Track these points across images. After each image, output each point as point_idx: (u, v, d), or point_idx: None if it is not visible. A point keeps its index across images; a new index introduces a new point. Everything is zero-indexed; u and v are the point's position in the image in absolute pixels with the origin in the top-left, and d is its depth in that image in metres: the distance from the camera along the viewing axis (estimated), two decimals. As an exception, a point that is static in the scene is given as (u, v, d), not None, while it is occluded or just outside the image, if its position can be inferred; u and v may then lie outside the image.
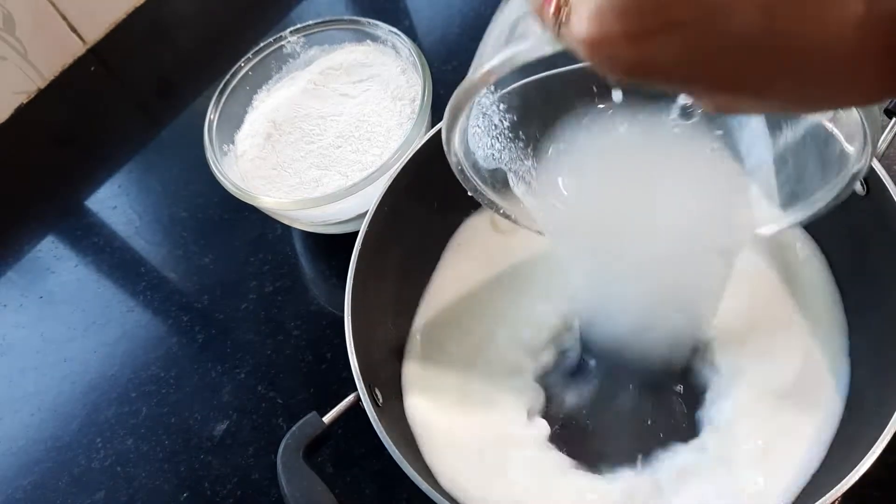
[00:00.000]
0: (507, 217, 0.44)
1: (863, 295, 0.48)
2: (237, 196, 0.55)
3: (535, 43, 0.27)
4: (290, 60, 0.62)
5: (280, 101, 0.60)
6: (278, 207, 0.54)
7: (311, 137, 0.58)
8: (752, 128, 0.39)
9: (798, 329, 0.48)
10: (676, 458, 0.46)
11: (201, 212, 0.66)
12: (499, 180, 0.42)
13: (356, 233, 0.49)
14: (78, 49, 0.78)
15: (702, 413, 0.48)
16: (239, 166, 0.59)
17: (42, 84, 0.77)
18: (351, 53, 0.61)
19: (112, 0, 0.79)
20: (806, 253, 0.50)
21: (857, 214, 0.47)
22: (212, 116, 0.59)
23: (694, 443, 0.47)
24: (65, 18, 0.75)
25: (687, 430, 0.47)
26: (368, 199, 0.51)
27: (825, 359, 0.47)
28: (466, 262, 0.55)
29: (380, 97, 0.58)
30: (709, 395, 0.48)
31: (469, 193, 0.41)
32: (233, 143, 0.60)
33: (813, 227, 0.50)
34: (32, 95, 0.76)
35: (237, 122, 0.61)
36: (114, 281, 0.64)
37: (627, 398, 0.49)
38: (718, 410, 0.47)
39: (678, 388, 0.49)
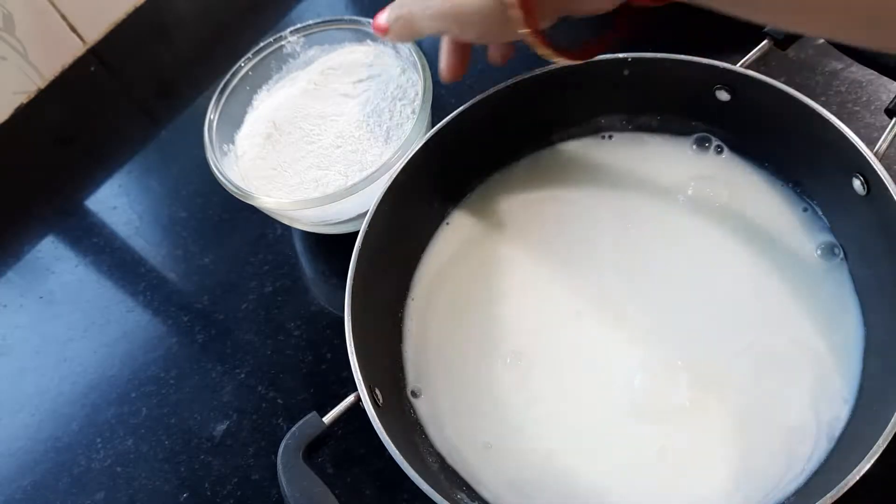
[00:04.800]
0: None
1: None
2: (237, 196, 0.55)
3: None
4: (291, 60, 0.62)
5: (280, 101, 0.60)
6: (278, 208, 0.54)
7: (311, 137, 0.58)
8: None
9: (809, 330, 0.48)
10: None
11: (201, 212, 0.66)
12: None
13: (356, 233, 0.49)
14: (78, 49, 0.78)
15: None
16: (239, 166, 0.59)
17: (42, 84, 0.77)
18: (351, 53, 0.61)
19: (112, 0, 0.79)
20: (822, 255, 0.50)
21: (858, 215, 0.47)
22: (212, 116, 0.58)
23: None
24: (65, 18, 0.75)
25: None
26: (368, 199, 0.51)
27: (834, 358, 0.47)
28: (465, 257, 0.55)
29: (380, 97, 0.58)
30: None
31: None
32: (233, 143, 0.60)
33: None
34: (32, 95, 0.76)
35: (237, 122, 0.61)
36: (114, 281, 0.64)
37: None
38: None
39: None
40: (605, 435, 0.47)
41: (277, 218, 0.58)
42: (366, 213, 0.50)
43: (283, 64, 0.62)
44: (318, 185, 0.56)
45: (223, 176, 0.56)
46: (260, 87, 0.62)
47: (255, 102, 0.61)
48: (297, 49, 0.62)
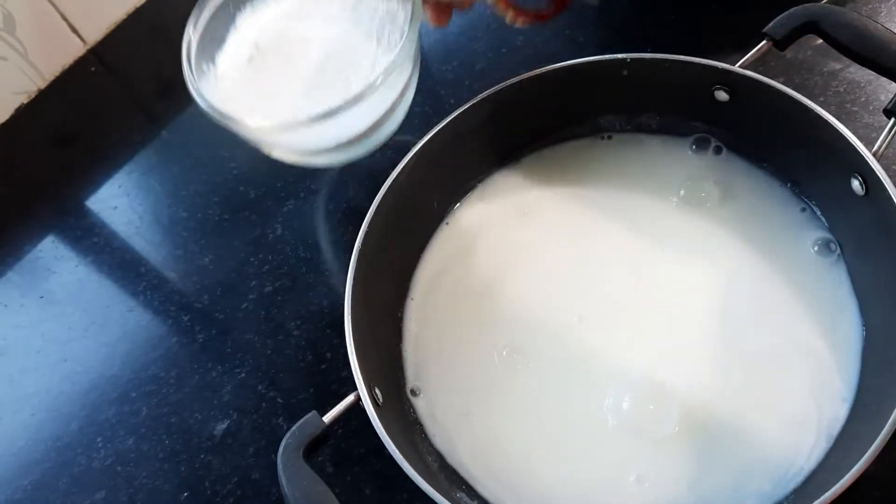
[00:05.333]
0: None
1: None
2: (217, 120, 0.52)
3: None
4: None
5: (265, 23, 0.57)
6: (261, 133, 0.52)
7: (296, 61, 0.55)
8: None
9: (808, 329, 0.48)
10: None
11: (201, 212, 0.66)
12: None
13: (357, 231, 0.49)
14: (78, 49, 0.78)
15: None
16: (219, 89, 0.55)
17: (42, 84, 0.77)
18: None
19: (112, 0, 0.79)
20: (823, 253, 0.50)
21: (857, 215, 0.48)
22: (190, 32, 0.55)
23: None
24: (65, 19, 0.75)
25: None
26: (349, 129, 0.49)
27: (833, 358, 0.47)
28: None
29: (367, 21, 0.55)
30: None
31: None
32: (213, 62, 0.56)
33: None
34: (33, 96, 0.76)
35: (218, 43, 0.57)
36: (114, 281, 0.64)
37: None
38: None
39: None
40: (586, 450, 0.47)
41: (258, 146, 0.56)
42: (347, 143, 0.49)
43: None
44: (301, 111, 0.51)
45: (202, 98, 0.52)
46: (243, 5, 0.58)
47: (237, 22, 0.57)
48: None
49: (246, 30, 0.57)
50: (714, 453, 0.46)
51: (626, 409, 0.47)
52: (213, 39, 0.57)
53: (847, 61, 0.51)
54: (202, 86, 0.54)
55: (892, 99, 0.47)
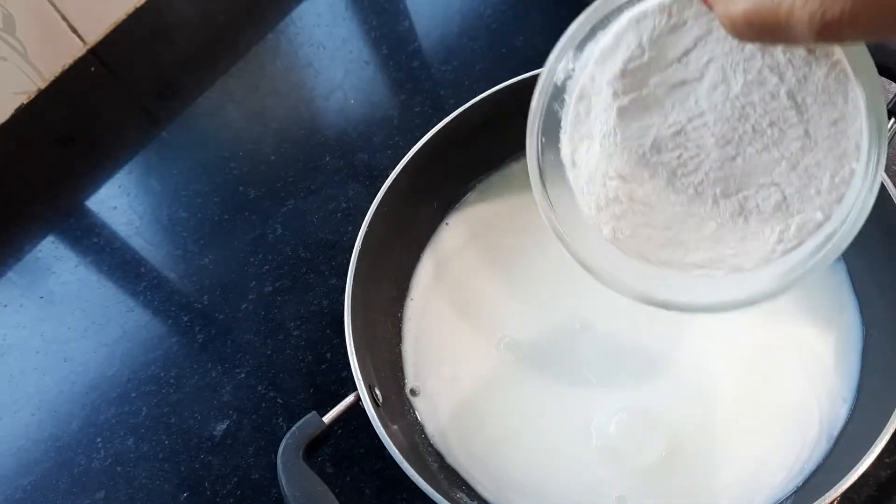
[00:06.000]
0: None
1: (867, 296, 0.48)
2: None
3: None
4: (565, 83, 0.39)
5: (605, 148, 0.37)
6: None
7: (686, 163, 0.35)
8: None
9: (808, 329, 0.48)
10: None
11: (201, 212, 0.66)
12: None
13: (357, 231, 0.49)
14: (78, 49, 0.78)
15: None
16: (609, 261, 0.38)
17: (42, 84, 0.77)
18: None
19: (112, 0, 0.79)
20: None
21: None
22: (543, 205, 0.38)
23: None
24: (65, 19, 0.75)
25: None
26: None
27: (833, 358, 0.47)
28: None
29: (736, 64, 0.33)
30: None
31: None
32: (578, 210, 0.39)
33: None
34: (33, 96, 0.76)
35: (559, 182, 0.39)
36: (114, 281, 0.64)
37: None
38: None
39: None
40: (571, 462, 0.47)
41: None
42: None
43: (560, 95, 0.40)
44: (742, 214, 0.35)
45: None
46: (555, 135, 0.40)
47: (564, 158, 0.39)
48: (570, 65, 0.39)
49: (586, 164, 0.38)
50: (706, 469, 0.46)
51: (612, 432, 0.47)
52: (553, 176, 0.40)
53: (847, 61, 0.50)
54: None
55: (893, 99, 0.47)
